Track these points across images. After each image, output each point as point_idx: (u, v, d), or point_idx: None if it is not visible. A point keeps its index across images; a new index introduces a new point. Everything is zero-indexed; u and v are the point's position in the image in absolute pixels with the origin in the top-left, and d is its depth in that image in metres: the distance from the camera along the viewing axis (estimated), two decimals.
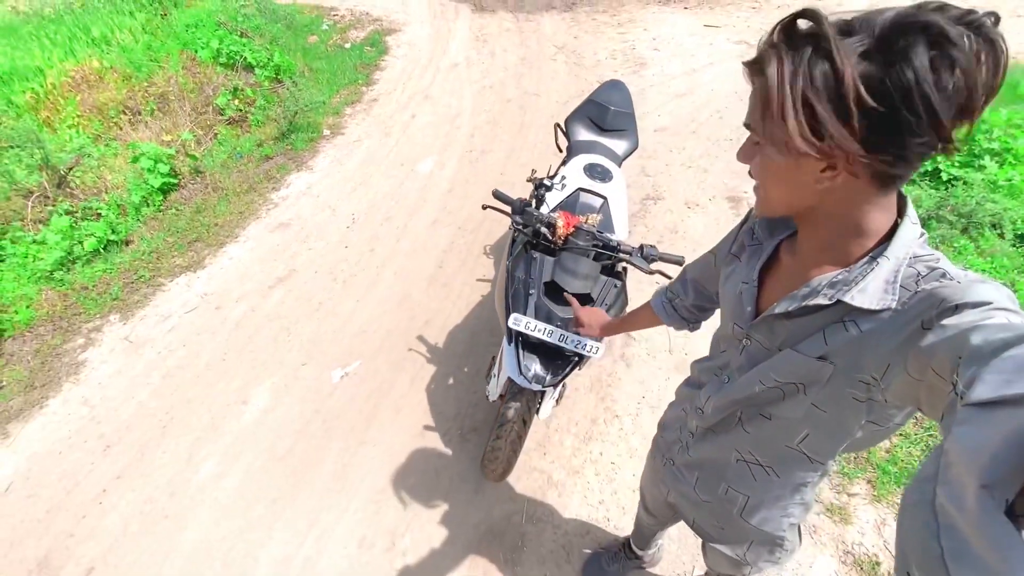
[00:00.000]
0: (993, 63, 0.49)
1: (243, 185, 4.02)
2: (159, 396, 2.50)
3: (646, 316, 1.20)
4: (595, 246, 1.68)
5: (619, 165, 2.30)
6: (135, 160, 3.86)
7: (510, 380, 1.72)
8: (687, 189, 3.69)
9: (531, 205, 1.72)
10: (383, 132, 4.68)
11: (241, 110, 4.83)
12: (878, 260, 0.61)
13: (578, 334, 1.51)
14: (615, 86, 2.60)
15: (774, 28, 0.56)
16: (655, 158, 4.03)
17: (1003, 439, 0.33)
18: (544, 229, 1.66)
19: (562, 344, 1.52)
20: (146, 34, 5.76)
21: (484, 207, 1.82)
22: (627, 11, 7.12)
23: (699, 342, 2.58)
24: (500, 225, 3.44)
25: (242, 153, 4.41)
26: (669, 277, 1.70)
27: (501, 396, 1.86)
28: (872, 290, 0.60)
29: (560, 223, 1.66)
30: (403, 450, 2.20)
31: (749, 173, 0.68)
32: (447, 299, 2.93)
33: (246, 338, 2.77)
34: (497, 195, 1.78)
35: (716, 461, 0.90)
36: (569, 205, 1.91)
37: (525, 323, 1.52)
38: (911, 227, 0.62)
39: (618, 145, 2.41)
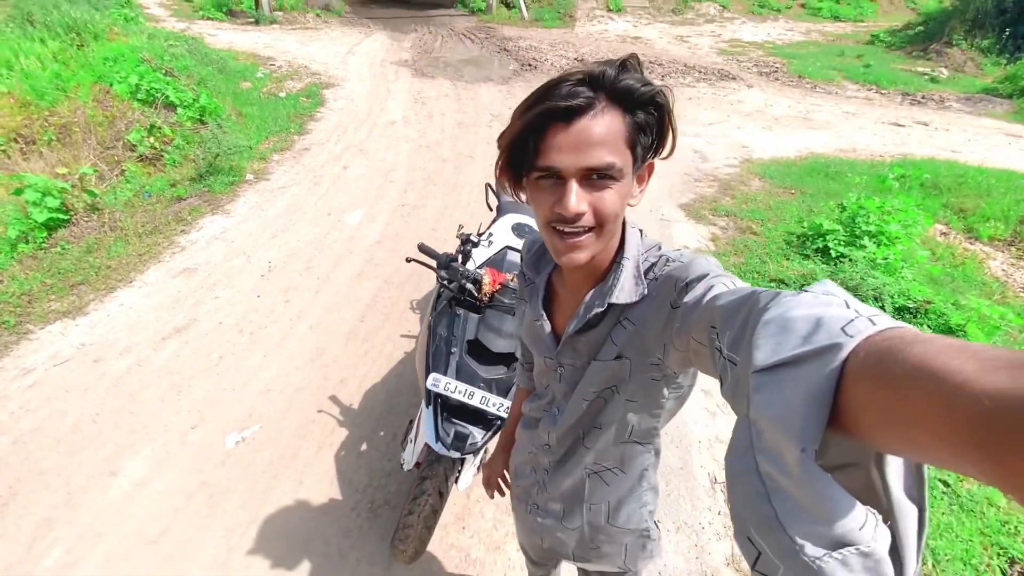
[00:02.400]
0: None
1: (147, 226, 3.69)
2: (2, 467, 2.08)
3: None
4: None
5: None
6: (17, 192, 3.44)
7: (427, 447, 1.59)
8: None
9: (457, 260, 1.67)
10: (312, 181, 4.55)
11: (156, 148, 4.53)
12: (621, 263, 0.74)
13: (501, 396, 1.43)
14: None
15: (615, 65, 0.65)
16: None
17: (802, 401, 0.36)
18: (469, 285, 1.60)
19: (484, 407, 1.43)
20: (57, 63, 5.37)
21: (408, 260, 1.74)
22: None
23: None
24: (428, 280, 3.36)
25: (151, 192, 4.09)
26: None
27: (417, 464, 1.71)
28: (627, 287, 0.72)
29: (486, 280, 1.62)
30: (303, 528, 1.94)
31: (566, 220, 0.67)
32: (367, 356, 2.75)
33: (127, 396, 2.42)
34: (423, 248, 1.71)
35: (572, 486, 0.94)
36: (496, 263, 1.88)
37: (445, 384, 1.42)
38: (632, 231, 0.76)
39: None
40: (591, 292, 0.77)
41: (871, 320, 0.37)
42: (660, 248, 0.75)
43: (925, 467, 0.40)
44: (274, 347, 2.76)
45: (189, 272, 3.28)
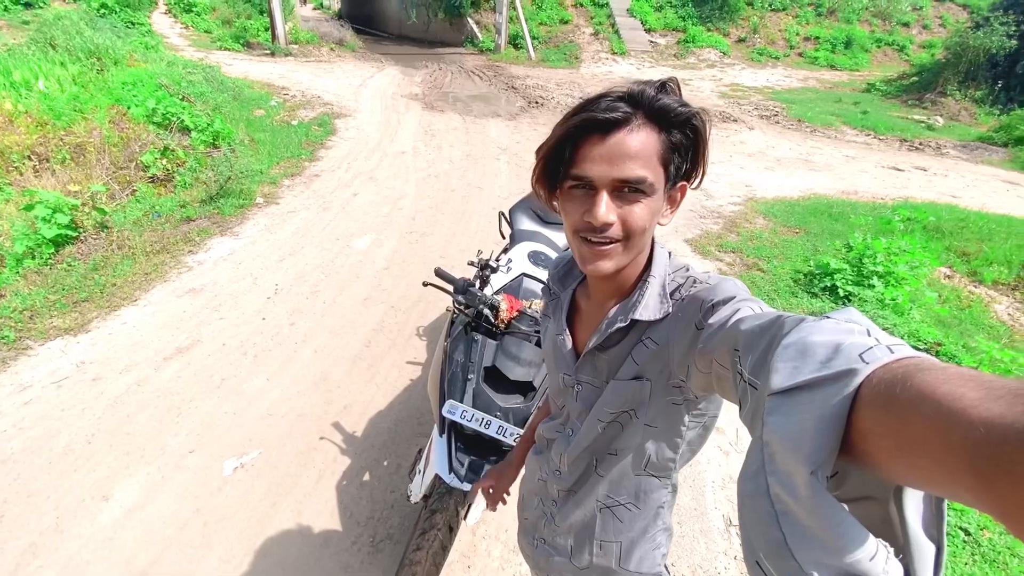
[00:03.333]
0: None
1: (155, 245, 3.68)
2: None
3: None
4: (537, 332, 1.61)
5: None
6: (28, 208, 3.45)
7: (437, 478, 1.53)
8: None
9: (474, 286, 1.65)
10: (321, 206, 4.57)
11: (169, 170, 4.58)
12: (648, 281, 0.73)
13: (518, 426, 1.38)
14: None
15: (653, 86, 0.66)
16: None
17: (814, 425, 0.37)
18: (487, 311, 1.58)
19: (500, 437, 1.38)
20: (76, 85, 5.50)
21: (425, 284, 1.72)
22: None
23: None
24: (435, 307, 3.33)
25: (160, 212, 4.10)
26: None
27: (425, 497, 1.64)
28: (652, 305, 0.72)
29: (504, 306, 1.59)
30: (301, 562, 1.84)
31: (599, 233, 0.68)
32: (371, 382, 2.70)
33: (124, 417, 2.35)
34: (439, 273, 1.69)
35: (583, 520, 0.90)
36: (513, 289, 1.85)
37: (461, 412, 1.38)
38: (660, 250, 0.76)
39: (559, 237, 2.46)
40: (615, 307, 0.76)
41: (890, 348, 0.37)
42: (688, 269, 0.74)
43: (944, 504, 0.40)
44: (277, 370, 2.70)
45: (195, 292, 3.26)
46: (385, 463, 2.24)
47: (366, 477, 2.18)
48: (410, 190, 5.12)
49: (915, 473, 0.33)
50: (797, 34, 14.99)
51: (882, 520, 0.40)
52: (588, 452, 0.84)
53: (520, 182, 5.54)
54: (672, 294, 0.72)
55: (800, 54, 14.70)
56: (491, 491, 1.17)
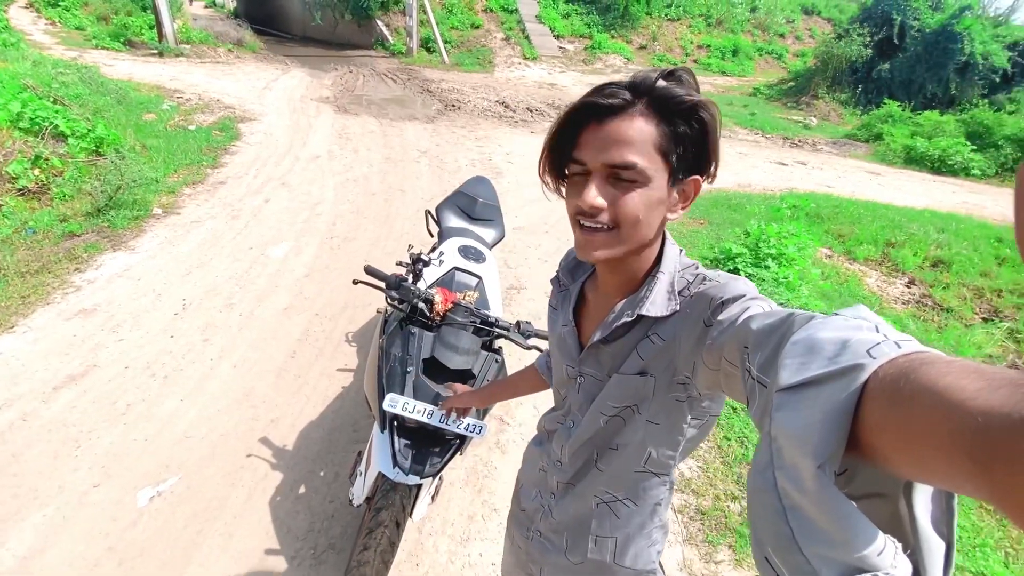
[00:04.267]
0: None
1: (32, 265, 3.27)
2: None
3: (526, 378, 1.21)
4: (473, 322, 1.64)
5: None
6: None
7: (381, 476, 1.51)
8: (545, 281, 3.93)
9: (407, 281, 1.64)
10: (230, 214, 4.29)
11: (43, 181, 4.08)
12: (657, 277, 0.73)
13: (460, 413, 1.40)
14: (481, 181, 2.76)
15: (661, 75, 0.66)
16: (515, 253, 4.28)
17: (821, 419, 0.37)
18: (421, 305, 1.58)
19: (443, 426, 1.39)
20: None
21: (356, 282, 1.69)
22: (483, 129, 7.90)
23: None
24: (364, 311, 3.25)
25: (36, 228, 3.65)
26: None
27: (368, 499, 1.61)
28: (659, 301, 0.72)
29: (438, 299, 1.61)
30: None
31: (585, 216, 0.69)
32: (300, 393, 2.58)
33: (8, 457, 2.07)
34: (369, 270, 1.67)
35: (580, 515, 0.90)
36: (445, 283, 1.87)
37: (403, 404, 1.37)
38: (671, 246, 0.76)
39: (487, 233, 2.50)
40: (622, 302, 0.76)
41: (897, 344, 0.37)
42: (698, 267, 0.75)
43: (955, 501, 0.41)
44: (193, 390, 2.51)
45: (86, 313, 2.93)
46: (321, 473, 2.16)
47: (301, 490, 2.09)
48: (328, 195, 4.94)
49: (919, 466, 0.33)
50: (691, 42, 16.19)
51: (891, 517, 0.41)
52: (589, 445, 0.85)
53: (443, 184, 5.53)
54: (681, 292, 0.72)
55: (695, 61, 15.88)
56: (453, 404, 1.28)
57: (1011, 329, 4.25)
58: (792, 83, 13.67)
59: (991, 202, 7.44)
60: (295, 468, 2.18)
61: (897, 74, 11.91)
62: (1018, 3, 12.86)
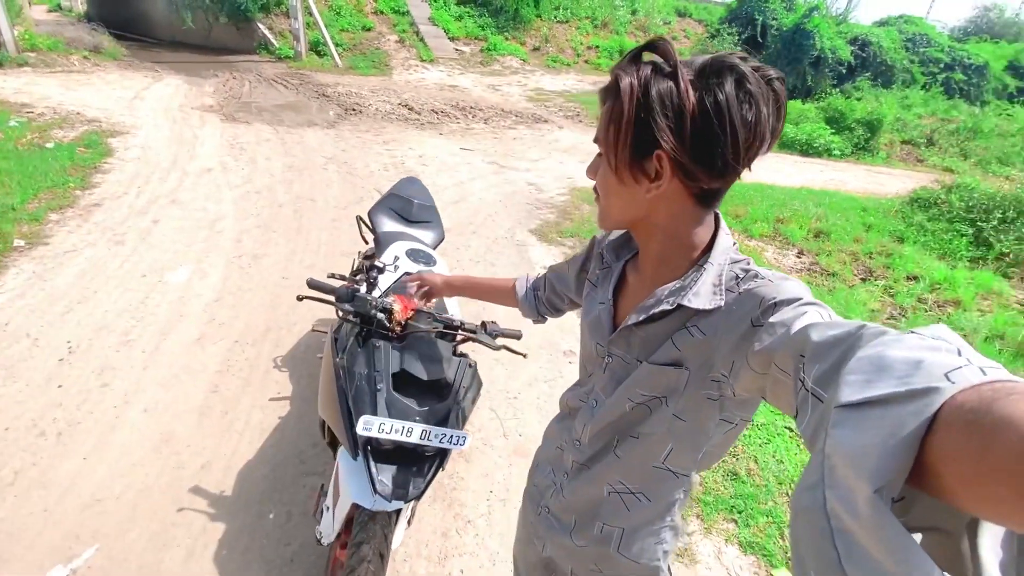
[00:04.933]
0: (775, 108, 0.63)
1: None
2: None
3: (501, 291, 1.26)
4: (436, 328, 1.54)
5: None
6: None
7: (356, 507, 1.37)
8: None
9: (360, 291, 1.51)
10: (112, 240, 3.75)
11: None
12: (704, 267, 0.70)
13: (440, 426, 1.31)
14: (413, 182, 2.64)
15: (626, 56, 0.66)
16: (446, 255, 4.14)
17: (882, 441, 0.34)
18: (381, 315, 1.46)
19: (425, 442, 1.29)
20: None
21: (300, 298, 1.52)
22: (389, 132, 7.65)
23: (532, 422, 2.57)
24: (291, 332, 2.98)
25: None
26: (516, 352, 1.67)
27: (341, 534, 1.46)
28: (704, 293, 0.69)
29: (397, 307, 1.49)
30: None
31: (594, 189, 0.77)
32: (230, 431, 2.30)
33: None
34: (314, 284, 1.51)
35: (591, 500, 0.89)
36: (399, 289, 1.74)
37: (379, 425, 1.25)
38: (725, 237, 0.73)
39: (425, 235, 2.39)
40: (664, 288, 0.73)
41: (982, 370, 0.34)
42: (750, 263, 0.71)
43: None
44: (97, 445, 2.14)
45: None
46: (271, 515, 1.94)
47: (250, 538, 1.86)
48: (228, 210, 4.50)
49: (992, 504, 0.31)
50: (581, 43, 16.89)
51: (953, 556, 0.38)
52: (611, 428, 0.83)
53: (355, 190, 5.26)
54: (728, 286, 0.69)
55: (587, 61, 16.59)
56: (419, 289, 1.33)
57: (886, 286, 4.89)
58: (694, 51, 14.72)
59: (851, 178, 8.54)
60: (238, 515, 1.93)
61: None
62: (854, 2, 14.89)
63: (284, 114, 7.88)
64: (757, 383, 0.61)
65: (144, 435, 2.22)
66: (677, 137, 0.62)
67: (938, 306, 4.75)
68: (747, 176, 0.69)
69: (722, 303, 0.68)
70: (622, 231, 0.89)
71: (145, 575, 1.71)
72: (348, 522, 1.43)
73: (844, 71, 12.99)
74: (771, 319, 0.59)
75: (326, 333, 2.38)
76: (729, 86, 0.60)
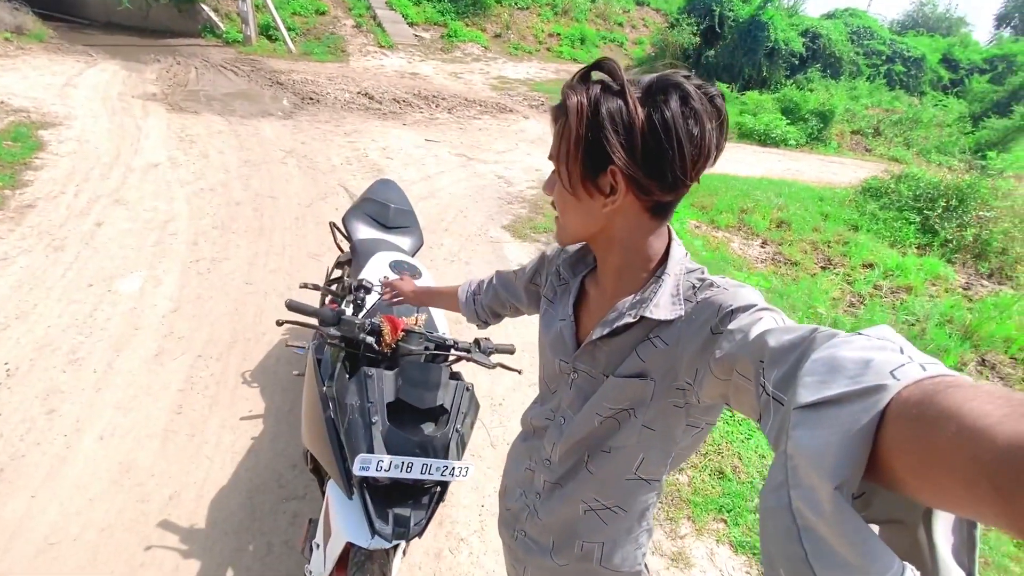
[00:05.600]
0: (718, 124, 0.65)
1: None
2: None
3: (451, 298, 1.27)
4: (427, 348, 1.46)
5: None
6: None
7: (351, 546, 1.28)
8: (457, 281, 3.77)
9: (344, 313, 1.40)
10: (50, 246, 3.44)
11: None
12: (661, 278, 0.72)
13: (440, 458, 1.23)
14: (388, 184, 2.51)
15: (575, 75, 0.68)
16: (419, 255, 4.03)
17: (839, 439, 0.36)
18: (370, 339, 1.36)
19: (426, 476, 1.21)
20: None
21: (280, 322, 1.40)
22: (350, 123, 7.36)
23: (518, 429, 2.51)
24: (259, 344, 2.81)
25: None
26: (511, 368, 1.60)
27: (333, 573, 1.37)
28: (663, 304, 0.71)
29: (386, 328, 1.39)
30: None
31: (552, 204, 0.79)
32: (198, 455, 2.15)
33: None
34: (294, 306, 1.39)
35: (567, 519, 0.89)
36: (385, 308, 1.64)
37: (376, 463, 1.15)
38: (677, 248, 0.75)
39: (404, 242, 2.28)
40: (627, 300, 0.74)
41: (923, 366, 0.37)
42: (704, 272, 0.73)
43: (977, 531, 0.40)
44: (45, 480, 1.95)
45: None
46: (251, 547, 1.82)
47: (229, 574, 1.73)
48: (180, 209, 4.20)
49: (939, 492, 0.33)
50: (542, 31, 16.73)
51: (910, 545, 0.40)
52: (581, 445, 0.83)
53: (318, 186, 5.03)
54: (686, 296, 0.71)
55: (548, 49, 16.46)
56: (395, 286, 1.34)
57: (845, 274, 5.08)
58: (636, 68, 14.84)
59: (807, 167, 8.85)
60: (214, 549, 1.80)
61: (721, 59, 13.55)
62: None
63: (236, 103, 7.44)
64: (720, 389, 0.63)
65: (101, 466, 2.04)
66: (628, 153, 0.64)
67: (892, 292, 4.99)
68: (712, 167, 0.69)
69: (682, 312, 0.69)
70: (576, 247, 0.91)
71: None
72: (341, 558, 1.34)
73: (796, 62, 13.40)
74: (729, 326, 0.60)
75: (302, 348, 2.26)
76: (675, 103, 0.62)
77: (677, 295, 0.71)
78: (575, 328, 0.84)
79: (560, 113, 0.70)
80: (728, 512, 2.21)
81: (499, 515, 1.06)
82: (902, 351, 0.39)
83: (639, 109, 0.63)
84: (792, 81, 12.79)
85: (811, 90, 11.82)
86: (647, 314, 0.70)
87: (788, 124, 10.15)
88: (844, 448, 0.36)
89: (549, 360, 0.89)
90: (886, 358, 0.38)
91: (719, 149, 0.67)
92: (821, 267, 5.33)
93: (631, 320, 0.72)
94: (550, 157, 0.74)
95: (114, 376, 2.48)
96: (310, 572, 1.42)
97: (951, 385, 0.33)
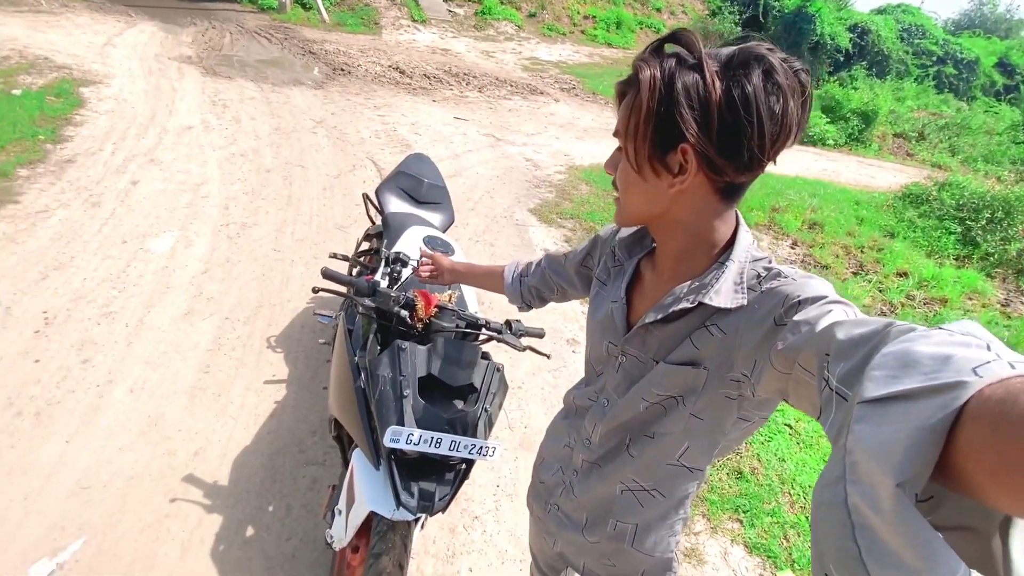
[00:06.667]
0: (802, 101, 0.61)
1: None
2: None
3: (492, 278, 1.23)
4: (459, 326, 1.45)
5: None
6: None
7: (374, 515, 1.30)
8: (481, 262, 3.76)
9: (379, 284, 1.40)
10: (88, 201, 3.51)
11: None
12: (725, 264, 0.69)
13: (469, 436, 1.23)
14: (422, 159, 2.49)
15: (648, 47, 0.64)
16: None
17: (907, 436, 0.34)
18: (404, 312, 1.35)
19: (454, 453, 1.21)
20: None
21: (315, 290, 1.40)
22: (380, 96, 7.33)
23: (537, 414, 2.52)
24: (284, 310, 2.85)
25: None
26: (540, 352, 1.59)
27: (354, 541, 1.39)
28: (725, 291, 0.67)
29: (420, 303, 1.39)
30: None
31: (613, 184, 0.75)
32: (224, 415, 2.20)
33: None
34: (329, 275, 1.39)
35: (603, 498, 0.87)
36: (415, 283, 1.63)
37: (407, 436, 1.16)
38: (745, 234, 0.71)
39: (435, 218, 2.27)
40: (685, 285, 0.71)
41: (1011, 364, 0.34)
42: (771, 261, 0.70)
43: None
44: (80, 427, 2.01)
45: None
46: (270, 508, 1.86)
47: (249, 532, 1.78)
48: (213, 173, 4.25)
49: (1019, 499, 0.31)
50: (578, 12, 16.37)
51: (981, 554, 0.37)
52: (623, 428, 0.81)
53: (347, 158, 5.04)
54: (750, 285, 0.67)
55: (583, 31, 16.12)
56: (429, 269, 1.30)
57: (877, 282, 4.94)
58: (716, 40, 14.47)
59: (844, 168, 8.58)
60: (236, 507, 1.85)
61: None
62: None
63: (268, 70, 7.46)
64: (779, 383, 0.60)
65: (130, 418, 2.10)
66: (703, 130, 0.60)
67: (925, 303, 4.84)
68: None
69: (744, 301, 0.66)
70: (633, 228, 0.87)
71: (138, 570, 1.62)
72: (362, 527, 1.36)
73: (841, 59, 12.91)
74: (795, 317, 0.58)
75: (328, 317, 2.28)
76: (756, 77, 0.58)
77: (741, 283, 0.68)
78: (627, 311, 0.82)
79: (628, 87, 0.66)
80: (744, 512, 2.19)
81: (531, 486, 1.05)
82: (989, 348, 0.36)
83: (717, 83, 0.59)
84: (835, 78, 12.33)
85: (855, 88, 11.38)
86: (706, 300, 0.68)
87: (828, 122, 9.82)
88: (912, 445, 0.33)
89: (597, 342, 0.87)
90: (969, 354, 0.35)
91: (800, 128, 0.63)
92: (852, 272, 5.19)
93: (688, 306, 0.70)
94: (615, 134, 0.71)
95: (145, 331, 2.54)
96: (331, 537, 1.44)
97: None
